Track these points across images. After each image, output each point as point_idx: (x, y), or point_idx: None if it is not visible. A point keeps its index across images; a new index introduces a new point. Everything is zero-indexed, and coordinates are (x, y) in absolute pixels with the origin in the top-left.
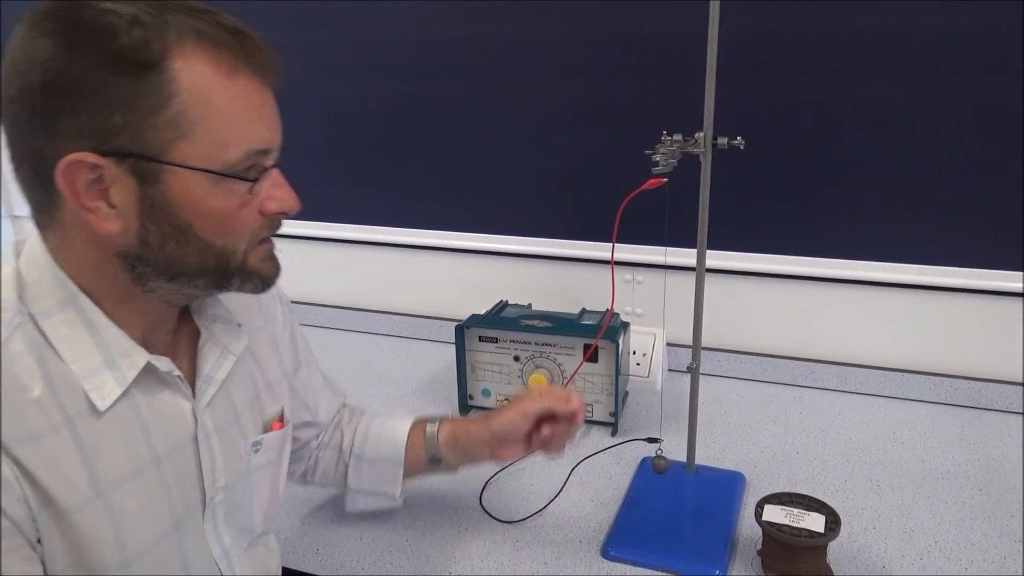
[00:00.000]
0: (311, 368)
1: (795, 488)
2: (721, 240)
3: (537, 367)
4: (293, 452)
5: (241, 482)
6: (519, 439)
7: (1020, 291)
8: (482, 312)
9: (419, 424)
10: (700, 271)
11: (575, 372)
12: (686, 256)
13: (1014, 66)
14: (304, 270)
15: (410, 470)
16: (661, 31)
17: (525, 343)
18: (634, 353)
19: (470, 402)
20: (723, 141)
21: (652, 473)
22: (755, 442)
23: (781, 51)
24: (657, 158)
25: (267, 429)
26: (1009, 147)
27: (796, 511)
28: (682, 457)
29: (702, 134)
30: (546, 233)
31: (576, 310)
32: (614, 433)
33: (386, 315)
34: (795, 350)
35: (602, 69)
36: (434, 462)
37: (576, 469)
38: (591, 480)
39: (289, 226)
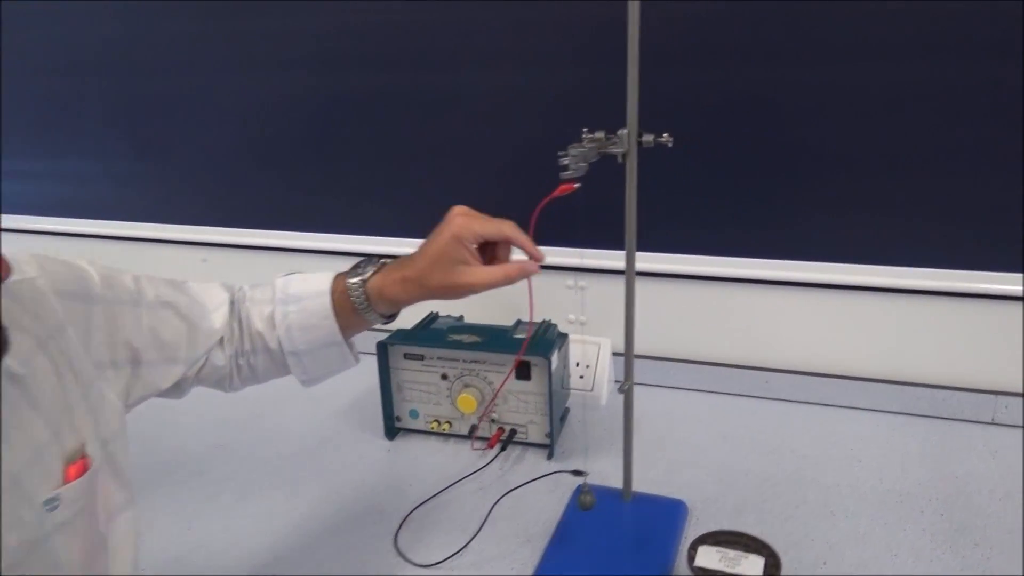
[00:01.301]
0: (173, 293)
1: (741, 517)
2: (668, 242)
3: (466, 386)
4: (209, 375)
5: (35, 553)
6: (463, 260)
7: (988, 292)
8: (411, 326)
9: (339, 283)
10: (630, 281)
11: (498, 391)
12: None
13: (983, 39)
14: (224, 278)
15: (353, 333)
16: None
17: (453, 360)
18: (577, 365)
19: (397, 424)
20: (648, 139)
21: None
22: (702, 463)
23: (719, 32)
24: (566, 161)
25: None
26: (970, 134)
27: (732, 553)
28: (621, 483)
29: (625, 131)
30: None
31: (514, 321)
32: (550, 456)
33: None
34: (750, 358)
35: (537, 57)
36: (370, 315)
37: (503, 500)
38: (520, 512)
39: (208, 233)
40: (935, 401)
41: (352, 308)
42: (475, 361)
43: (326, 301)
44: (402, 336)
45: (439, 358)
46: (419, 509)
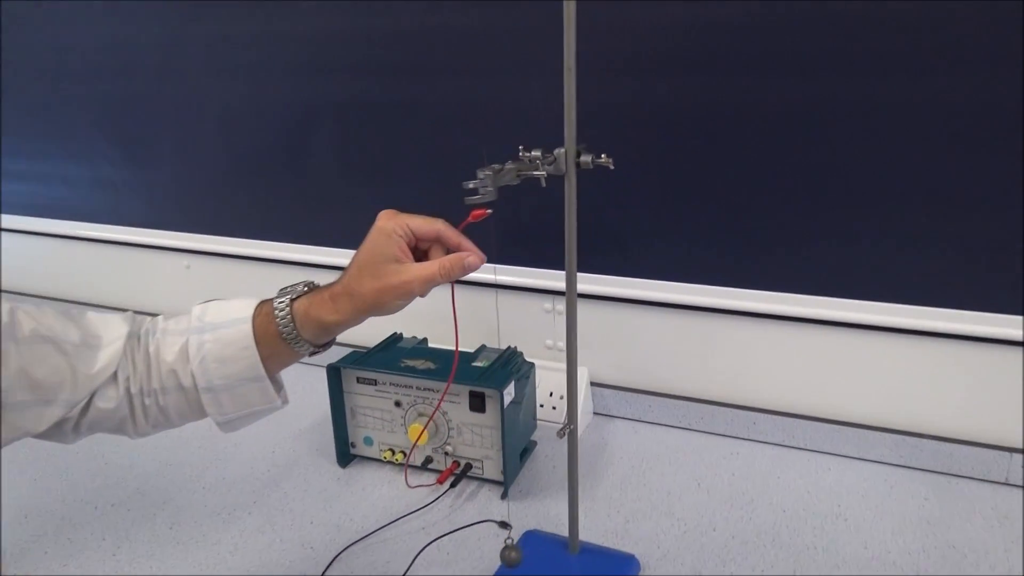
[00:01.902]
0: (61, 326)
1: None
2: (652, 267)
3: (419, 415)
4: (99, 419)
5: None
6: (394, 257)
7: (1007, 338)
8: (372, 346)
9: (264, 309)
10: (571, 309)
11: (430, 418)
12: (607, 284)
13: (968, 51)
14: (206, 286)
15: (279, 366)
16: None
17: (407, 387)
18: (551, 395)
19: (352, 450)
20: (586, 160)
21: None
22: (668, 512)
23: (676, 42)
24: (473, 184)
25: None
26: (981, 162)
27: None
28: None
29: (561, 151)
30: None
31: (491, 343)
32: (504, 496)
33: None
34: (736, 396)
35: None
36: (298, 344)
37: (442, 542)
38: (456, 559)
39: (193, 241)
40: (939, 454)
41: (277, 335)
42: (428, 389)
43: (246, 328)
44: (355, 359)
45: (392, 384)
46: (353, 547)
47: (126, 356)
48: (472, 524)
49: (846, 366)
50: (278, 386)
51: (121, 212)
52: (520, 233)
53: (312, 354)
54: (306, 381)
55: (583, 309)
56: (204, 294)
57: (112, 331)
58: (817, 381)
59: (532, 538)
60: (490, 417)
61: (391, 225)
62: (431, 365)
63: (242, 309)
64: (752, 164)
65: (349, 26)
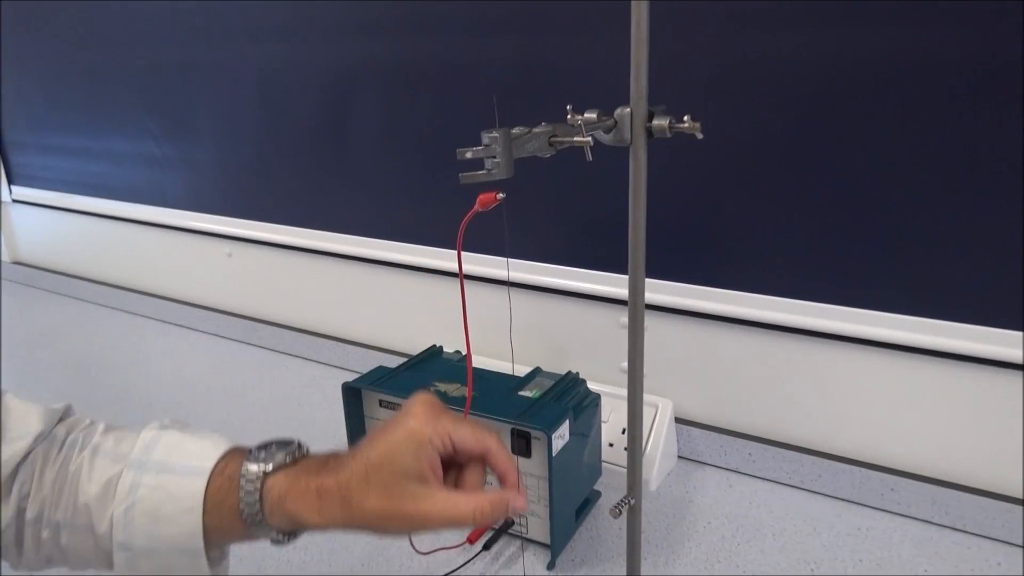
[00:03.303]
0: None
1: None
2: (761, 277)
3: None
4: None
5: None
6: (420, 475)
7: None
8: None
9: (231, 463)
10: (635, 324)
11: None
12: (699, 296)
13: None
14: (249, 277)
15: (226, 541)
16: None
17: None
18: (623, 433)
19: None
20: (662, 124)
21: None
22: None
23: None
24: (473, 153)
25: None
26: None
27: None
28: None
29: (625, 111)
30: (535, 254)
31: (553, 367)
32: (551, 566)
33: (330, 341)
34: (870, 452)
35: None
36: (260, 529)
37: None
38: None
39: (235, 226)
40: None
41: (235, 511)
42: None
43: (199, 486)
44: (377, 377)
45: None
46: None
47: (32, 465)
48: None
49: None
50: (217, 559)
51: (165, 192)
52: (590, 226)
53: (276, 543)
54: (326, 390)
55: (668, 327)
56: (244, 284)
57: (21, 425)
58: (985, 443)
59: None
60: (537, 464)
61: (429, 431)
62: (464, 392)
63: (202, 455)
64: (914, 148)
65: None
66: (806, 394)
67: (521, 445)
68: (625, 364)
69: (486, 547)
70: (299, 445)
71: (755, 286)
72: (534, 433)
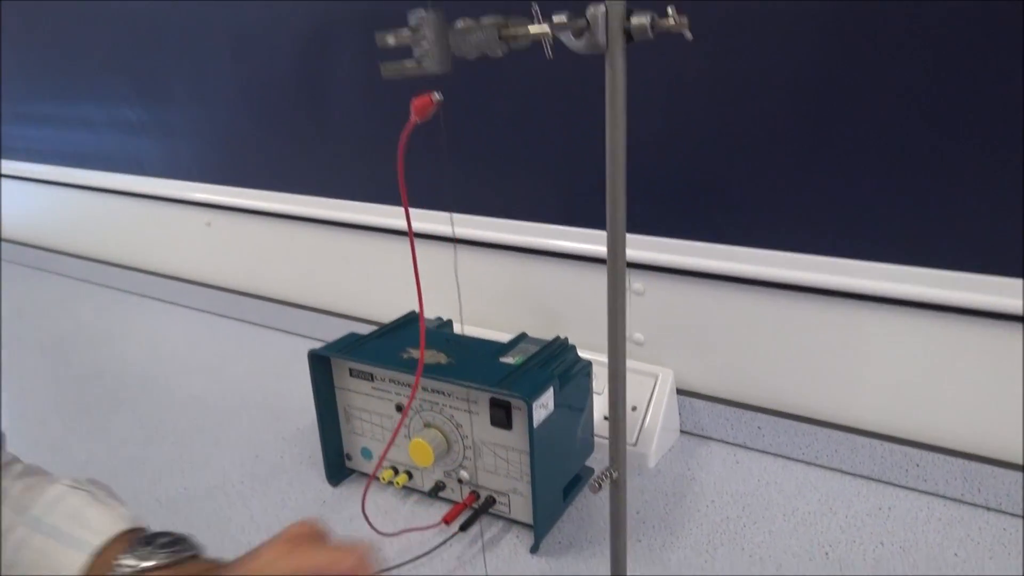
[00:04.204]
0: None
1: None
2: (772, 232)
3: (426, 424)
4: None
5: None
6: None
7: None
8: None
9: (122, 542)
10: (615, 281)
11: (394, 433)
12: (703, 254)
13: None
14: (229, 246)
15: None
16: None
17: (409, 386)
18: None
19: (348, 463)
20: (641, 23)
21: None
22: None
23: None
24: (396, 38)
25: None
26: None
27: None
28: None
29: (600, 8)
30: (524, 212)
31: (547, 332)
32: (535, 549)
33: (314, 313)
34: (894, 425)
35: None
36: None
37: None
38: None
39: (214, 193)
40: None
41: None
42: (437, 391)
43: (78, 562)
44: (347, 344)
45: (392, 381)
46: None
47: None
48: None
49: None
50: None
51: (141, 160)
52: (583, 181)
53: None
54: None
55: (669, 289)
56: (225, 256)
57: None
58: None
59: None
60: (518, 436)
61: (281, 566)
62: (443, 358)
63: (98, 529)
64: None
65: None
66: (821, 360)
67: (500, 416)
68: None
69: (463, 528)
70: (189, 545)
71: (764, 241)
72: (514, 403)
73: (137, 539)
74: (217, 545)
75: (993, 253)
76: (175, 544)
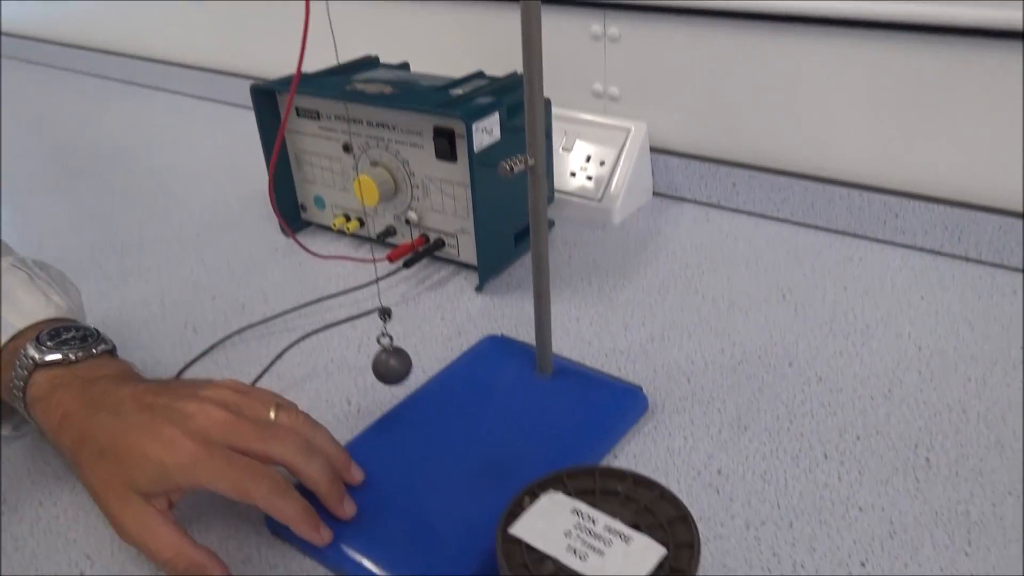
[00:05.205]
0: None
1: (722, 434)
2: None
3: (372, 163)
4: None
5: None
6: (150, 495)
7: None
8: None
9: (38, 330)
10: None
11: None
12: None
13: None
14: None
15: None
16: None
17: (356, 122)
18: (588, 160)
19: (304, 215)
20: None
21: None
22: (726, 333)
23: None
24: None
25: None
26: None
27: (597, 521)
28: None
29: None
30: None
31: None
32: (480, 287)
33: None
34: (877, 175)
35: None
36: (18, 412)
37: (323, 336)
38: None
39: None
40: None
41: (8, 384)
42: (382, 124)
43: None
44: (290, 80)
45: (337, 117)
46: (246, 332)
47: None
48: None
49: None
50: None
51: None
52: None
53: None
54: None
55: (644, 33)
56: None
57: None
58: (1016, 151)
59: (491, 346)
60: (462, 169)
61: (185, 477)
62: (388, 89)
63: (23, 312)
64: None
65: None
66: (801, 106)
67: (444, 146)
68: (598, 85)
69: (407, 265)
70: (101, 339)
71: None
72: (456, 129)
73: (45, 332)
74: (165, 287)
75: None
76: (84, 340)
